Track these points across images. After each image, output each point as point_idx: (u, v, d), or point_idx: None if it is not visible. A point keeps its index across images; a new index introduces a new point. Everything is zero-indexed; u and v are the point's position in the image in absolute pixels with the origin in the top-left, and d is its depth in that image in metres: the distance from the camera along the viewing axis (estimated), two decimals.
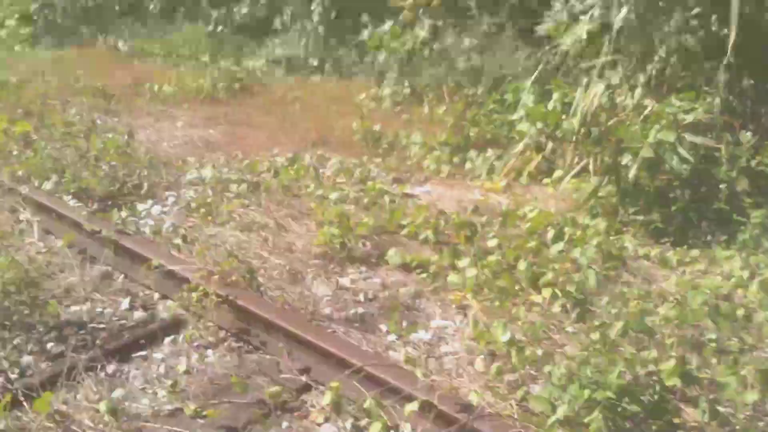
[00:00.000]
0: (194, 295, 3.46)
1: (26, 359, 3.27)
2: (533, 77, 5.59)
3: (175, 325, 3.52)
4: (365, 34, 8.01)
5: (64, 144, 5.51)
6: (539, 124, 5.21)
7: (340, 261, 4.10)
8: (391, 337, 3.36)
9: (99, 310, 3.71)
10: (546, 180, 5.19)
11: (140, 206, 4.84)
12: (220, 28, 9.95)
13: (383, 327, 3.44)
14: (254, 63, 9.04)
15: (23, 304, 3.60)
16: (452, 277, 3.70)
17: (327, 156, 5.91)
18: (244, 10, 10.06)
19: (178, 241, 4.21)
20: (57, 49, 9.50)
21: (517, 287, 3.54)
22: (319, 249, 4.18)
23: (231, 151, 6.07)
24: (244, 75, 8.35)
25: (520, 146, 5.31)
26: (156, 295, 3.80)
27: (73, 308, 3.71)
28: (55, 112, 6.51)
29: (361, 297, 3.72)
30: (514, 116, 5.64)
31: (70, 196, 4.78)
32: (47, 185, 4.72)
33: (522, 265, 3.64)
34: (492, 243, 3.95)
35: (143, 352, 3.34)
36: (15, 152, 5.29)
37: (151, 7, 10.42)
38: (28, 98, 6.95)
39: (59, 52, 9.32)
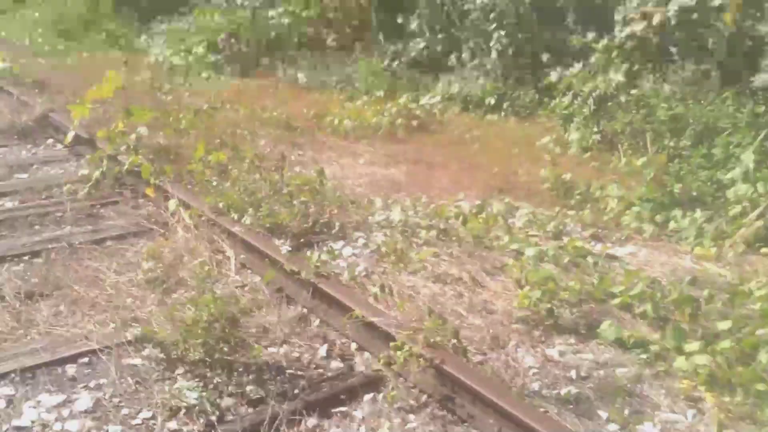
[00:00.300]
0: (399, 354, 3.29)
1: (226, 402, 3.23)
2: (762, 136, 5.08)
3: (374, 382, 3.37)
4: (553, 75, 7.70)
5: (258, 176, 5.56)
6: (761, 187, 4.71)
7: (545, 329, 3.81)
8: (613, 427, 3.04)
9: (296, 354, 3.63)
10: (765, 250, 4.67)
11: (332, 246, 4.78)
12: (395, 63, 9.95)
13: (602, 413, 3.12)
14: (430, 99, 8.93)
15: (224, 341, 3.56)
16: (679, 362, 3.32)
17: (515, 204, 5.65)
18: (420, 46, 10.02)
19: (374, 288, 4.08)
20: (240, 77, 9.83)
21: (760, 386, 3.10)
22: (520, 313, 3.92)
23: (414, 192, 5.93)
24: (421, 112, 8.24)
25: (737, 209, 4.83)
26: (353, 345, 3.68)
27: (271, 350, 3.66)
28: (245, 142, 6.65)
29: (573, 374, 3.41)
30: (728, 175, 5.16)
31: (265, 231, 4.80)
32: (247, 219, 4.74)
33: (764, 357, 3.21)
34: (723, 325, 3.52)
35: (343, 408, 3.21)
36: (215, 182, 5.38)
37: (329, 40, 10.60)
38: (219, 126, 7.15)
39: (243, 81, 9.64)
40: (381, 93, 9.34)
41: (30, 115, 7.11)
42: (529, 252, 4.63)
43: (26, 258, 4.56)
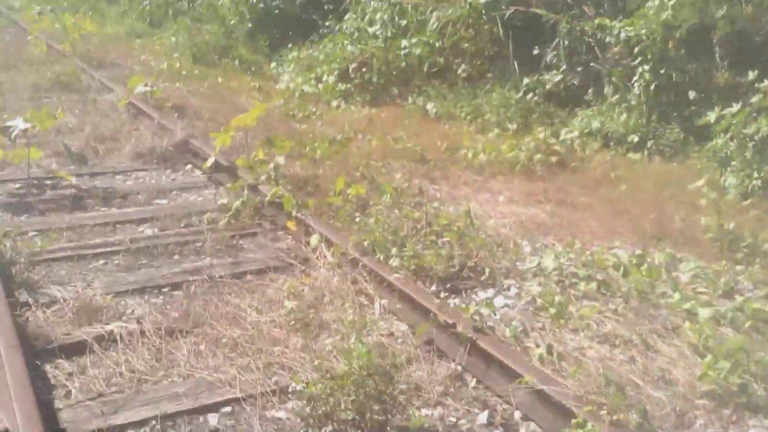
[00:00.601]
0: None
1: None
2: None
3: None
4: (711, 115, 7.10)
5: (397, 212, 5.30)
6: None
7: (736, 407, 3.32)
8: None
9: (453, 419, 3.31)
10: None
11: (481, 294, 4.44)
12: (529, 95, 9.54)
13: None
14: (567, 135, 8.47)
15: (374, 399, 3.27)
16: None
17: (676, 255, 5.13)
18: (557, 78, 9.58)
19: (538, 349, 3.70)
20: (370, 107, 9.68)
21: None
22: (705, 386, 3.44)
23: (562, 235, 5.51)
24: (561, 148, 7.80)
25: None
26: (517, 413, 3.31)
27: (424, 411, 3.35)
28: (380, 175, 6.41)
29: None
30: None
31: (409, 273, 4.50)
32: (395, 261, 4.46)
33: None
34: None
35: None
36: (357, 219, 5.15)
37: (460, 71, 10.32)
38: (353, 157, 6.95)
39: (372, 110, 9.47)
40: (513, 126, 8.95)
41: (170, 140, 7.13)
42: (704, 313, 4.14)
43: (166, 290, 4.44)
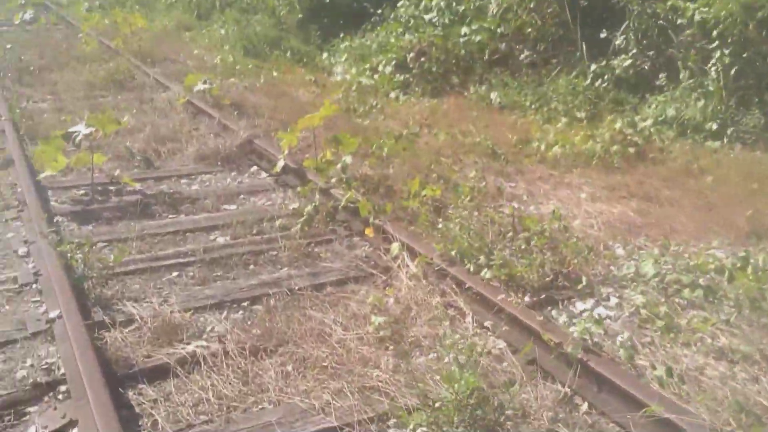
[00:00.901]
0: None
1: None
2: None
3: None
4: None
5: (477, 214, 5.01)
6: None
7: None
8: None
9: None
10: None
11: (579, 305, 4.14)
12: (598, 82, 9.12)
13: None
14: (641, 123, 8.06)
15: (482, 427, 3.03)
16: None
17: None
18: (626, 63, 9.14)
19: (656, 371, 3.40)
20: (430, 97, 9.37)
21: None
22: None
23: (654, 236, 5.18)
24: (638, 137, 7.40)
25: None
26: None
27: None
28: (452, 173, 6.12)
29: None
30: None
31: (499, 284, 4.22)
32: (487, 273, 4.17)
33: None
34: None
35: None
36: (440, 225, 4.87)
37: (522, 57, 9.94)
38: (421, 154, 6.67)
39: (434, 102, 9.16)
40: (582, 114, 8.57)
41: (233, 141, 6.91)
42: None
43: (245, 304, 4.24)
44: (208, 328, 3.96)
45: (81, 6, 18.43)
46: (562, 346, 3.41)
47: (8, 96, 9.13)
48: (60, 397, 3.38)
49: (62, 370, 3.53)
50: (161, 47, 12.81)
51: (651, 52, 8.97)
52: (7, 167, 6.55)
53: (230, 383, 3.46)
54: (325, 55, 12.19)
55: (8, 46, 12.56)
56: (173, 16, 16.74)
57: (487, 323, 3.88)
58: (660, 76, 8.85)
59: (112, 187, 6.14)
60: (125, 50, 12.04)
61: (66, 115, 8.29)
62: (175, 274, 4.61)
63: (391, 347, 3.73)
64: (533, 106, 8.96)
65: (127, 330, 3.88)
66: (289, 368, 3.58)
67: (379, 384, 3.41)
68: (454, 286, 4.14)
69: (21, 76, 10.62)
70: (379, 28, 11.94)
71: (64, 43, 13.40)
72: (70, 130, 6.20)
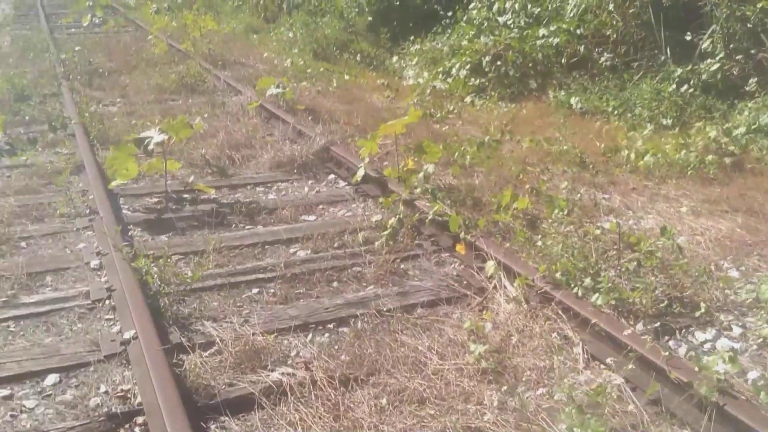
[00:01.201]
0: None
1: None
2: None
3: None
4: None
5: (573, 229, 4.64)
6: None
7: None
8: None
9: None
10: None
11: (699, 335, 3.75)
12: (684, 87, 8.61)
13: None
14: (735, 131, 7.54)
15: None
16: None
17: None
18: (714, 67, 8.60)
19: None
20: (508, 102, 8.99)
21: None
22: None
23: (766, 255, 4.73)
24: (734, 147, 6.90)
25: None
26: None
27: None
28: (542, 183, 5.75)
29: None
30: None
31: (609, 310, 3.85)
32: (599, 299, 3.80)
33: None
34: None
35: None
36: (539, 242, 4.53)
37: (602, 60, 9.48)
38: (507, 163, 6.32)
39: (512, 107, 8.78)
40: (668, 121, 8.09)
41: (309, 148, 6.67)
42: None
43: (331, 326, 3.96)
44: (293, 353, 3.70)
45: (149, 8, 18.52)
46: (692, 386, 3.03)
47: (78, 99, 9.08)
48: (137, 429, 3.15)
49: (138, 399, 3.31)
50: (231, 50, 12.71)
51: (739, 57, 8.43)
52: (78, 173, 6.43)
53: (320, 417, 3.19)
54: (395, 58, 11.92)
55: (77, 48, 12.60)
56: (240, 19, 16.70)
57: (598, 354, 3.51)
58: (750, 81, 8.32)
59: (186, 195, 5.96)
60: (195, 53, 11.95)
61: (137, 119, 8.18)
62: (254, 290, 4.36)
63: (496, 382, 3.41)
64: (616, 112, 8.51)
65: (206, 353, 3.65)
66: (384, 402, 3.28)
67: (486, 425, 3.08)
68: (560, 312, 3.78)
69: (90, 79, 10.59)
70: (450, 30, 11.60)
71: (133, 45, 13.39)
72: (141, 135, 6.03)
